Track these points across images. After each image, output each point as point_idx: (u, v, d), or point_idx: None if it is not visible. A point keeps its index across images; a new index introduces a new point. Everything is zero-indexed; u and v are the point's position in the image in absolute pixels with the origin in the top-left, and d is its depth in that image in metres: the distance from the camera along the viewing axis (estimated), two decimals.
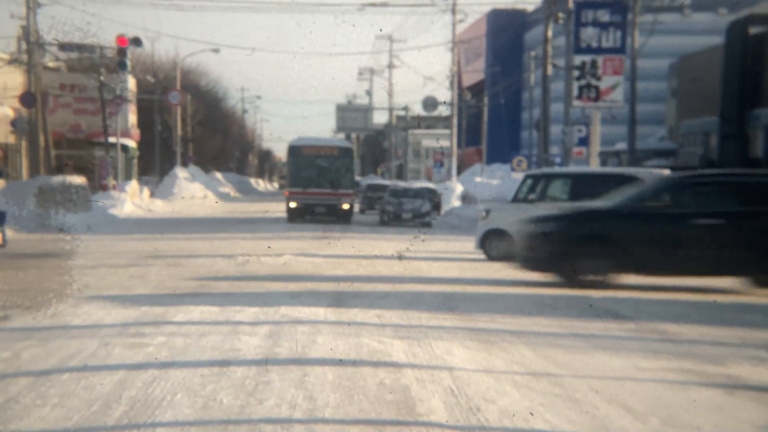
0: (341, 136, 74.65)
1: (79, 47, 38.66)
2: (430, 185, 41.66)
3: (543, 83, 34.10)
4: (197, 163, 69.66)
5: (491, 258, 19.04)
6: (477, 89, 70.10)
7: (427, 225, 31.51)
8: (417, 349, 8.92)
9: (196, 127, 69.23)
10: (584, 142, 33.74)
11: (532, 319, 11.03)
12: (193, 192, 52.38)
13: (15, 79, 39.54)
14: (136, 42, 40.64)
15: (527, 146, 56.65)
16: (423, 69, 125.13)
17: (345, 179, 32.82)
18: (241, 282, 14.20)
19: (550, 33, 33.47)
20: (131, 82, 50.41)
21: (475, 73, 79.05)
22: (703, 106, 41.85)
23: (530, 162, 42.04)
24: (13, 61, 37.86)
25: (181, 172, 54.94)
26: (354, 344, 9.04)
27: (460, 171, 56.33)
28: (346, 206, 32.46)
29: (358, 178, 55.24)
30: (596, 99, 33.79)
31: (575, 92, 33.61)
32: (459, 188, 44.91)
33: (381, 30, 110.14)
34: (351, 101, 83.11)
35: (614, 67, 33.78)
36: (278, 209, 36.61)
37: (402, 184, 42.30)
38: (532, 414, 6.64)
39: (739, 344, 9.78)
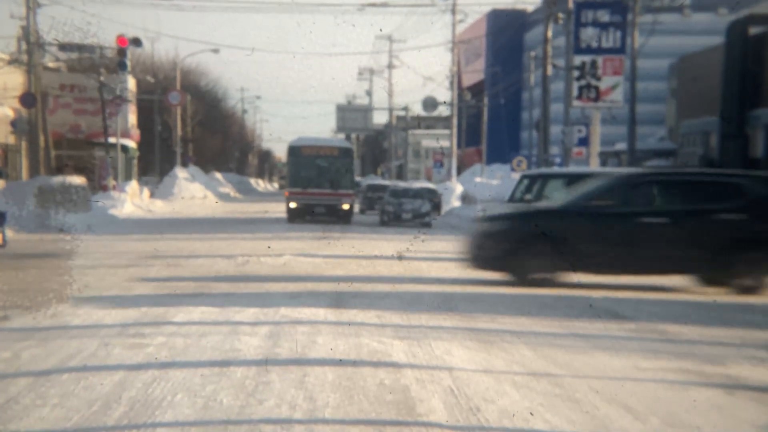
0: (341, 136, 74.62)
1: (79, 47, 38.66)
2: (430, 185, 41.63)
3: (543, 83, 34.13)
4: (197, 163, 69.65)
5: None
6: (477, 89, 70.10)
7: (427, 225, 31.50)
8: (417, 349, 8.92)
9: (196, 127, 69.25)
10: (584, 142, 33.77)
11: (532, 319, 11.03)
12: (193, 192, 52.37)
13: (15, 80, 39.54)
14: (136, 42, 40.63)
15: (527, 146, 56.62)
16: (423, 69, 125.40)
17: (345, 179, 32.80)
18: (240, 282, 14.18)
19: (550, 33, 33.50)
20: (131, 83, 50.44)
21: (475, 73, 79.03)
22: (703, 106, 41.82)
23: (530, 162, 42.04)
24: (13, 61, 37.87)
25: (181, 173, 54.92)
26: (354, 344, 9.04)
27: (460, 171, 56.33)
28: (346, 206, 32.45)
29: (358, 178, 55.23)
30: (596, 99, 33.83)
31: (575, 92, 33.65)
32: (459, 188, 44.94)
33: (381, 30, 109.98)
34: (351, 101, 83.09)
35: (614, 68, 33.82)
36: (278, 209, 36.61)
37: (402, 184, 42.28)
38: (532, 414, 6.65)
39: (739, 344, 9.79)
